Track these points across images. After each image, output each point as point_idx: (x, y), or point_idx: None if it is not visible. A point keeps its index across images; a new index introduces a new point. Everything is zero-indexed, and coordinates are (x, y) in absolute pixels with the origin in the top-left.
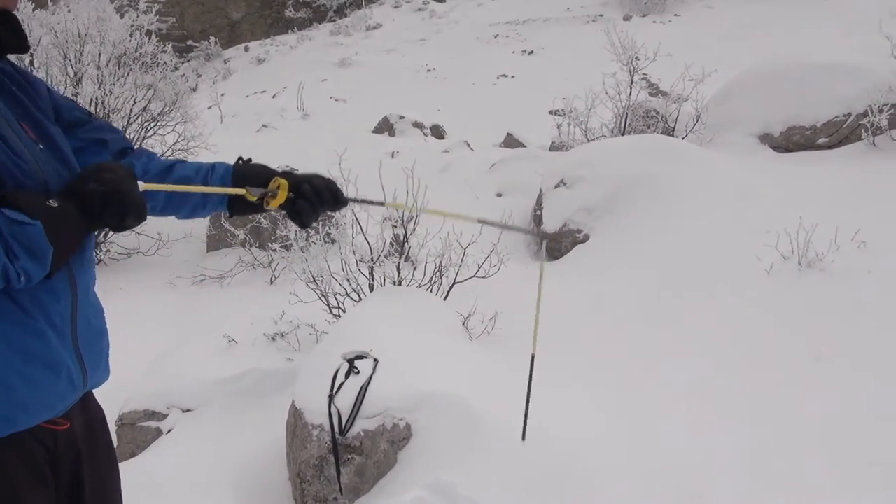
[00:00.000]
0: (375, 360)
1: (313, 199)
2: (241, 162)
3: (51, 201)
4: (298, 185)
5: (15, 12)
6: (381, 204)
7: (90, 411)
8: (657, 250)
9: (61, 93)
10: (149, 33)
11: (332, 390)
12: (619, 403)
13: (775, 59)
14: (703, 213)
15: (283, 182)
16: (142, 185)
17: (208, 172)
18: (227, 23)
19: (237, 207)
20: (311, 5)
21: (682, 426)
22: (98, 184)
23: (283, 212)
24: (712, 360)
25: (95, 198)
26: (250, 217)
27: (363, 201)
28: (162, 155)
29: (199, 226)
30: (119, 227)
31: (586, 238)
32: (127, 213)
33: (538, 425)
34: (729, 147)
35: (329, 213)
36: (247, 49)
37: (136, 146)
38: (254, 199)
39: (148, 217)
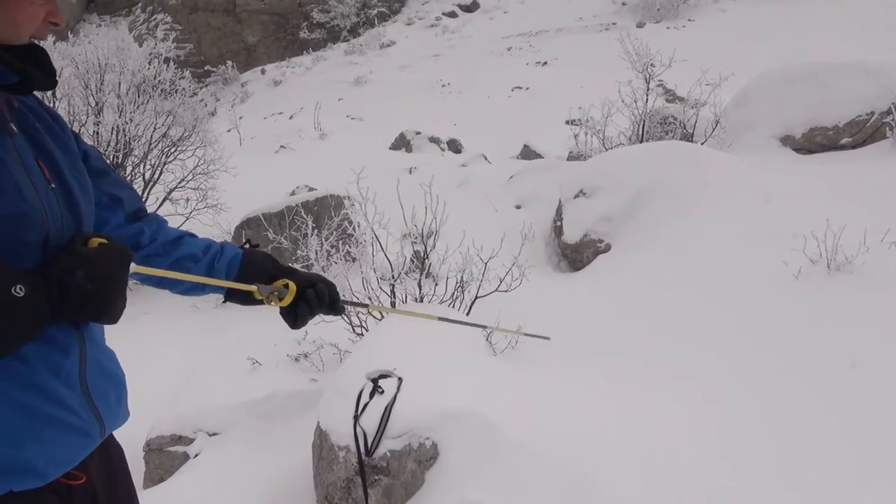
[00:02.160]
0: (399, 378)
1: (314, 304)
2: (247, 246)
3: (17, 289)
4: (303, 288)
5: (42, 44)
6: (365, 306)
7: (111, 459)
8: (680, 258)
9: (83, 122)
10: (167, 60)
11: (357, 411)
12: (645, 417)
13: (793, 61)
14: (725, 218)
15: (293, 286)
16: (134, 268)
17: (216, 255)
18: (244, 47)
19: (235, 297)
20: (325, 26)
21: (712, 443)
22: (86, 278)
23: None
24: (742, 371)
25: (75, 294)
26: (270, 237)
27: (352, 304)
28: (182, 180)
29: None
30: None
31: (608, 248)
32: (101, 315)
33: (561, 442)
34: (750, 150)
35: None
36: (263, 72)
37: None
38: (261, 297)
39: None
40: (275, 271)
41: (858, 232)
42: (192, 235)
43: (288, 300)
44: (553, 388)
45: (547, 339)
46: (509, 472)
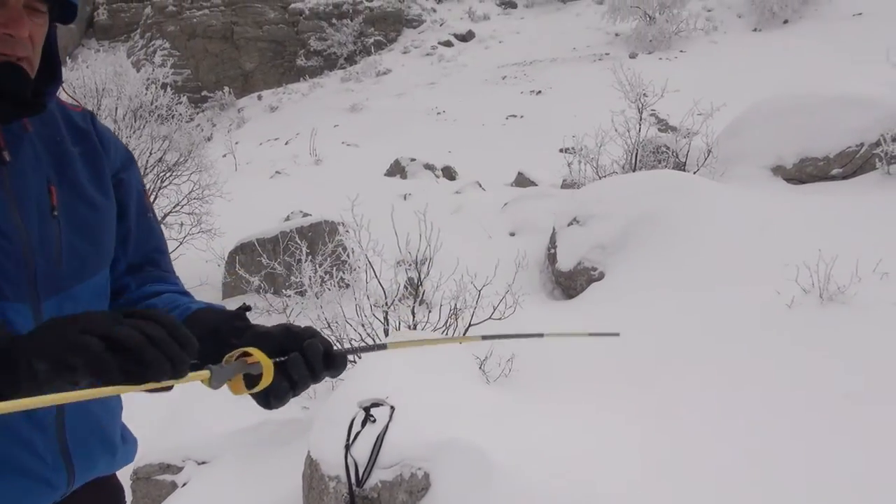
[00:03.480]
0: (392, 407)
1: (302, 375)
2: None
3: None
4: (280, 355)
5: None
6: (383, 347)
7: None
8: (673, 287)
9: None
10: (164, 86)
11: (348, 440)
12: (637, 443)
13: (784, 92)
14: (718, 247)
15: (268, 363)
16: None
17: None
18: (241, 73)
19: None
20: (322, 54)
21: (698, 469)
22: (73, 371)
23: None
24: (735, 401)
25: (43, 377)
26: (264, 263)
27: (363, 349)
28: (177, 205)
29: (215, 273)
30: None
31: (601, 276)
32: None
33: (555, 470)
34: (742, 180)
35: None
36: (260, 98)
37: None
38: (216, 386)
39: None
40: (229, 334)
41: (850, 262)
42: (181, 293)
43: (266, 381)
44: (546, 416)
45: (616, 335)
46: (502, 502)
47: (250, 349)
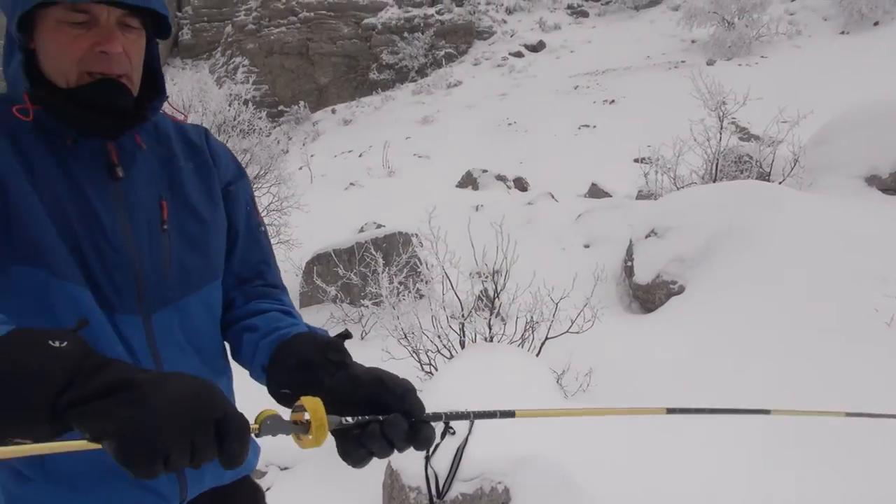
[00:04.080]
0: (472, 420)
1: (381, 448)
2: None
3: (57, 342)
4: (370, 405)
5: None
6: (510, 414)
7: None
8: (758, 302)
9: None
10: (245, 102)
11: (428, 451)
12: (718, 464)
13: (879, 98)
14: (807, 262)
15: (320, 423)
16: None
17: (273, 338)
18: (315, 87)
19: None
20: (394, 67)
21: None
22: (119, 422)
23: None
24: (829, 429)
25: (108, 431)
26: (340, 273)
27: (482, 416)
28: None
29: (293, 282)
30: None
31: (681, 290)
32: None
33: (638, 492)
34: (832, 191)
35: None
36: (334, 111)
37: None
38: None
39: None
40: (321, 369)
41: None
42: (284, 312)
43: (313, 444)
44: (625, 432)
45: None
46: None
47: (308, 402)
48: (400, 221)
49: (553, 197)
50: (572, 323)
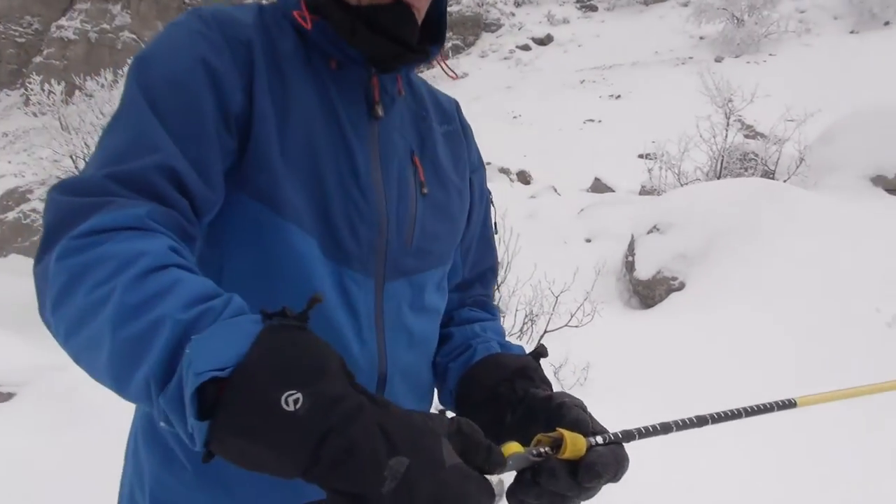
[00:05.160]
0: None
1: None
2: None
3: (292, 401)
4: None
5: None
6: (793, 405)
7: None
8: (762, 300)
9: None
10: None
11: None
12: (720, 464)
13: (886, 99)
14: (810, 261)
15: (577, 447)
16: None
17: (465, 359)
18: None
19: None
20: None
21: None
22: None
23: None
24: (831, 425)
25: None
26: None
27: (762, 411)
28: None
29: None
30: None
31: (682, 286)
32: None
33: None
34: (837, 190)
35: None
36: None
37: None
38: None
39: None
40: (506, 403)
41: None
42: (494, 322)
43: (573, 451)
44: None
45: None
46: None
47: (568, 435)
48: None
49: (556, 191)
50: (571, 317)
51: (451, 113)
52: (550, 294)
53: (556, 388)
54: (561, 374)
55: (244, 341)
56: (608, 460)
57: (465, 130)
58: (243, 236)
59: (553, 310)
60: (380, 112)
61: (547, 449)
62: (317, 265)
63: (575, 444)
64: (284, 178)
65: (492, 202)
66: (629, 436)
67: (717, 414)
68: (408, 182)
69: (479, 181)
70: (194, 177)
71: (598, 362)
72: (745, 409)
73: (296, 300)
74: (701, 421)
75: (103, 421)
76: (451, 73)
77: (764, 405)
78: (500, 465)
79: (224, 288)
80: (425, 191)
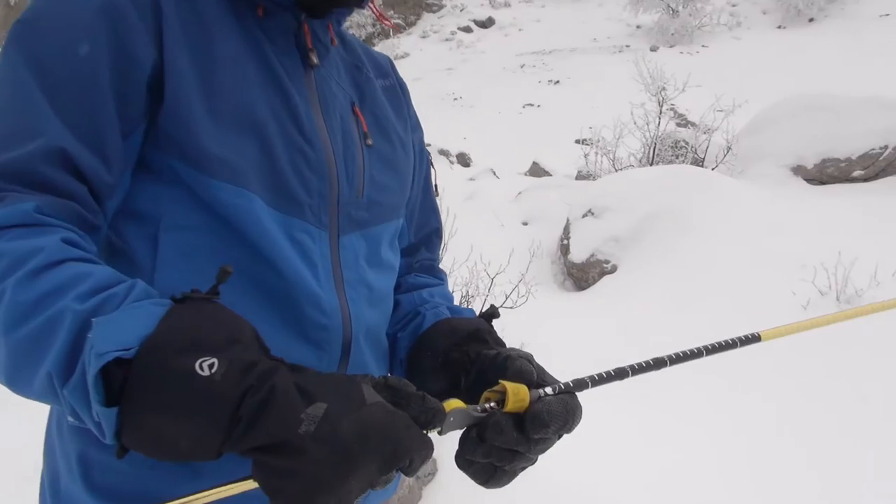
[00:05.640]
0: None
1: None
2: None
3: (206, 366)
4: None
5: None
6: (757, 339)
7: None
8: (688, 283)
9: None
10: None
11: None
12: (651, 440)
13: (808, 91)
14: (735, 246)
15: (522, 390)
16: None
17: (413, 328)
18: None
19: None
20: None
21: (713, 465)
22: (323, 443)
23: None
24: (749, 401)
25: (289, 452)
26: None
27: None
28: None
29: None
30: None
31: (614, 269)
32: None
33: (566, 462)
34: (761, 179)
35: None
36: None
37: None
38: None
39: None
40: (458, 364)
41: (870, 265)
42: (441, 293)
43: (517, 403)
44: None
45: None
46: (509, 493)
47: (511, 386)
48: None
49: (495, 174)
50: (507, 298)
51: (386, 68)
52: (486, 276)
53: None
54: None
55: (150, 321)
56: (556, 409)
57: (402, 87)
58: (175, 204)
59: (489, 291)
60: (315, 59)
61: (493, 404)
62: (264, 220)
63: (517, 394)
64: (212, 135)
65: (431, 164)
66: (581, 384)
67: (676, 354)
68: (352, 133)
69: (420, 141)
70: (89, 157)
71: (531, 343)
72: (706, 347)
73: (249, 261)
74: (658, 363)
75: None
76: (386, 21)
77: (727, 342)
78: (438, 414)
79: (167, 262)
80: (370, 142)
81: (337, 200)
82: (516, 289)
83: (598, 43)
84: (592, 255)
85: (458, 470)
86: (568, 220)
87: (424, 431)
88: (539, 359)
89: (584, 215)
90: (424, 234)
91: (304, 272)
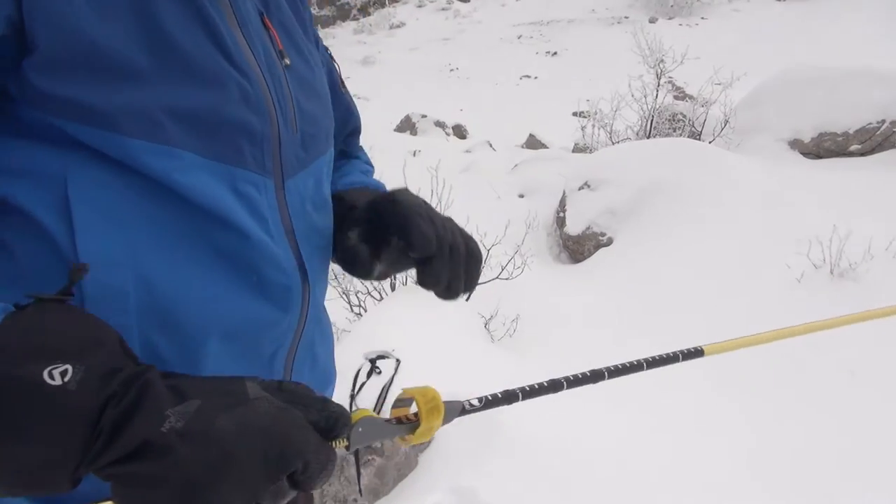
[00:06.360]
0: (398, 360)
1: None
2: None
3: (57, 373)
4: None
5: None
6: (700, 354)
7: None
8: (683, 256)
9: None
10: None
11: (353, 390)
12: (640, 410)
13: (806, 64)
14: (730, 219)
15: (429, 390)
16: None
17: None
18: None
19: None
20: (335, 3)
21: (695, 436)
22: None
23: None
24: (740, 373)
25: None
26: None
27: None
28: None
29: None
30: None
31: (610, 241)
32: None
33: (559, 431)
34: (758, 152)
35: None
36: None
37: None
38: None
39: None
40: (342, 223)
41: (864, 239)
42: (360, 168)
43: (423, 433)
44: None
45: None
46: (505, 459)
47: (419, 394)
48: None
49: (491, 146)
50: (502, 269)
51: None
52: (482, 247)
53: (486, 343)
54: (491, 326)
55: None
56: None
57: None
58: (84, 168)
59: (485, 262)
60: None
61: (412, 414)
62: (202, 176)
63: (425, 395)
64: (111, 82)
65: (333, 59)
66: (511, 396)
67: (616, 367)
68: (270, 53)
69: (324, 52)
70: None
71: (526, 314)
72: (646, 360)
73: (192, 222)
74: (596, 376)
75: None
76: None
77: (669, 355)
78: (340, 419)
79: (87, 225)
80: (287, 62)
81: (279, 139)
82: (512, 260)
83: (596, 14)
84: (588, 228)
85: (454, 439)
86: (564, 193)
87: (330, 444)
88: (531, 330)
89: (581, 188)
90: (344, 139)
91: (255, 229)
